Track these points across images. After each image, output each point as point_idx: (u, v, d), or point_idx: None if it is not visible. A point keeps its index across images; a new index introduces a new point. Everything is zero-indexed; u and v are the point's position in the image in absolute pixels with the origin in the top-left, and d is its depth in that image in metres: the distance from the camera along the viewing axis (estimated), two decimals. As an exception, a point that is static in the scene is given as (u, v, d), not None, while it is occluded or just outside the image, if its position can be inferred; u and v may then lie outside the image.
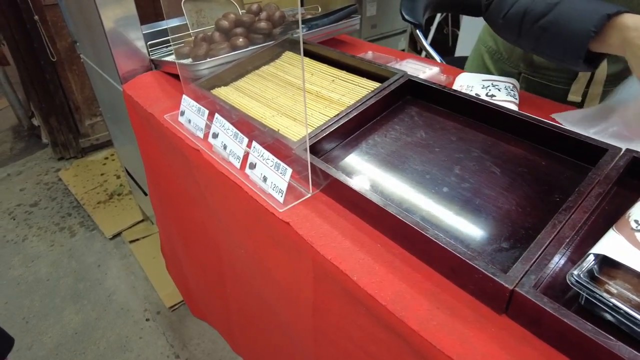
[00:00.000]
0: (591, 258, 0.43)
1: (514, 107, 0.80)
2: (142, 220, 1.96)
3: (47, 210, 2.12)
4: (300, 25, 0.55)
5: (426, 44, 1.45)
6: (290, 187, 0.66)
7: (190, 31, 1.22)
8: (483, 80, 0.89)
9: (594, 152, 0.58)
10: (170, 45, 1.20)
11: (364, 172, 0.67)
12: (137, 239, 1.88)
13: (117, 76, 1.14)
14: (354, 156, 0.70)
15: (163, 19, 1.30)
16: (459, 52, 2.78)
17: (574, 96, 0.88)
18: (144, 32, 1.14)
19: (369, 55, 1.14)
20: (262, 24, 1.11)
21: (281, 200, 0.65)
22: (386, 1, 2.67)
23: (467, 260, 0.46)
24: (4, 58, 2.16)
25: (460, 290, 0.50)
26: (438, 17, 2.97)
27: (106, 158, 2.46)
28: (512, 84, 0.87)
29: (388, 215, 0.54)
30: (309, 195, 0.67)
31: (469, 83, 0.89)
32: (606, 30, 0.64)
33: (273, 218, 0.64)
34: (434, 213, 0.58)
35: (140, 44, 1.13)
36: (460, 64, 1.33)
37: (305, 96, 0.84)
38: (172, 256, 1.45)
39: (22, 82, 2.40)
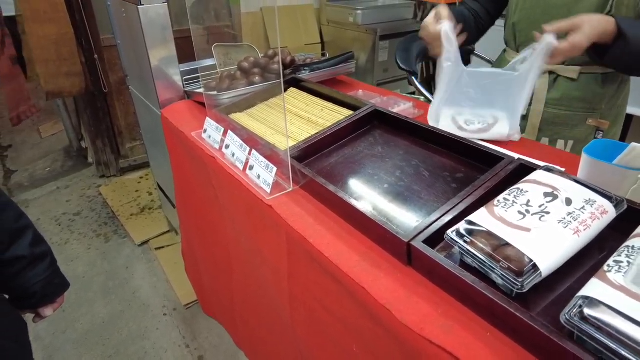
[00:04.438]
0: (463, 223, 0.64)
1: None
2: (167, 231, 2.22)
3: (87, 219, 2.42)
4: (281, 69, 0.79)
5: (419, 86, 1.71)
6: (276, 183, 0.89)
7: (218, 70, 1.52)
8: None
9: (497, 160, 0.79)
10: (200, 80, 1.49)
11: (330, 173, 0.90)
12: (162, 247, 2.13)
13: (157, 103, 1.43)
14: (326, 163, 0.93)
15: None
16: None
17: None
18: (181, 70, 1.43)
19: (360, 93, 1.39)
20: (275, 66, 1.39)
21: (268, 190, 0.88)
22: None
23: (382, 225, 0.67)
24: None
25: (382, 251, 0.70)
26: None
27: (141, 177, 2.77)
28: None
29: (338, 199, 0.76)
30: (290, 189, 0.90)
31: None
32: None
33: (262, 204, 0.87)
34: (375, 201, 0.79)
35: (177, 78, 1.43)
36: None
37: (286, 116, 1.12)
38: (190, 257, 1.68)
39: (77, 109, 2.79)
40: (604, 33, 0.86)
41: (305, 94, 1.26)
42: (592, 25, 0.85)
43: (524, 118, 1.15)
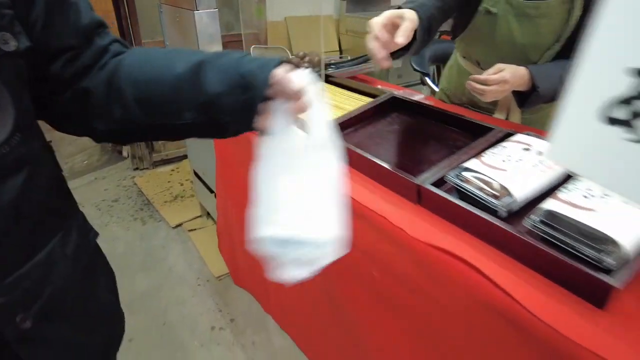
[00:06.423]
0: (460, 168, 0.84)
1: None
2: (199, 216, 2.44)
3: (124, 205, 2.66)
4: (323, 67, 1.01)
5: (433, 86, 1.95)
6: (312, 151, 1.11)
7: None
8: None
9: (490, 130, 1.00)
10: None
11: (356, 143, 1.11)
12: (195, 229, 2.35)
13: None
14: (353, 137, 1.15)
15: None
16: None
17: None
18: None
19: (379, 87, 1.61)
20: (305, 65, 1.62)
21: (306, 156, 1.09)
22: (410, 57, 3.20)
23: (397, 172, 0.88)
24: None
25: (399, 197, 0.91)
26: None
27: (172, 170, 3.02)
28: None
29: (361, 157, 0.97)
30: (324, 156, 1.11)
31: None
32: None
33: (301, 166, 1.08)
34: (391, 160, 1.01)
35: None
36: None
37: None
38: (225, 234, 1.89)
39: (116, 108, 3.05)
40: (522, 79, 1.02)
41: (332, 87, 1.48)
42: (512, 68, 1.02)
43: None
